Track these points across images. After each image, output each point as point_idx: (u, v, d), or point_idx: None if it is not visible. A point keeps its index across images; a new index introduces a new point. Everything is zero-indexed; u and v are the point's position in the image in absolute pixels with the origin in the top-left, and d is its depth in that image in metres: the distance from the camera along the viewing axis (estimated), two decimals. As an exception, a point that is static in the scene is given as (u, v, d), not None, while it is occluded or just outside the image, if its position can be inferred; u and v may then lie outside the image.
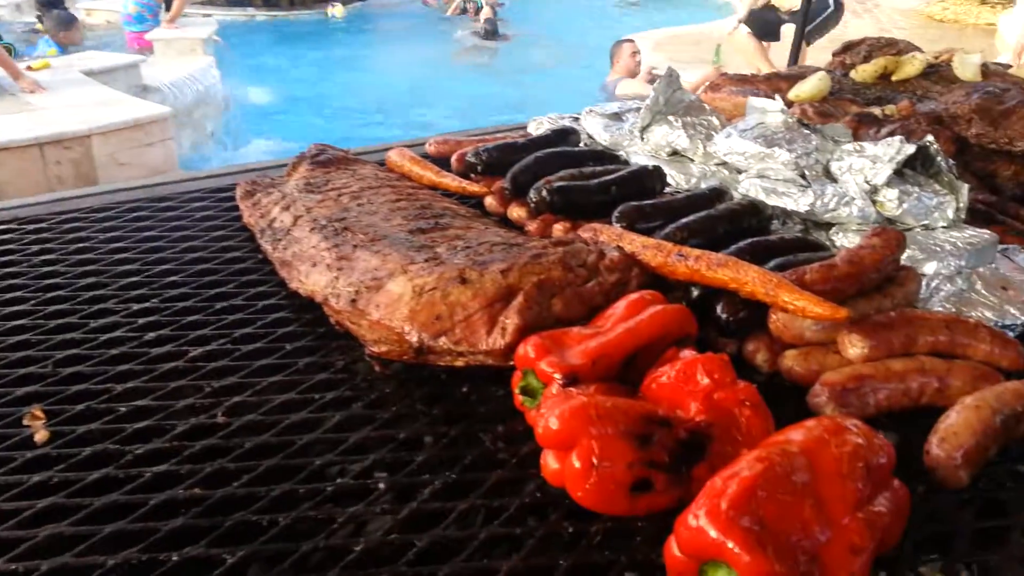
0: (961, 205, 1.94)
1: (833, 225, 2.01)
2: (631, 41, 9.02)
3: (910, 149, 1.95)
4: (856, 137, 2.59)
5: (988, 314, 1.68)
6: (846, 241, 1.93)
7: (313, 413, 1.47)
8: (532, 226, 2.08)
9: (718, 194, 2.06)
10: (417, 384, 1.55)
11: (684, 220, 1.88)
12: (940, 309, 1.70)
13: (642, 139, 2.51)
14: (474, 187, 2.30)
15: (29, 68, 8.10)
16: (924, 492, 1.29)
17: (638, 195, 2.06)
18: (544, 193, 2.02)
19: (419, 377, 1.56)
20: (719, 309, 1.61)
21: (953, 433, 1.32)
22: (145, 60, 9.31)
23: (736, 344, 1.64)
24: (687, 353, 1.42)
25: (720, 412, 1.32)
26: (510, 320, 1.49)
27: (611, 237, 1.84)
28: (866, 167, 1.98)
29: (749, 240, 1.80)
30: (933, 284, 1.76)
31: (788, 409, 1.40)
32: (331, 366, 1.61)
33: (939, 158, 1.99)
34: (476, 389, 1.54)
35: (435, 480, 1.32)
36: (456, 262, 1.68)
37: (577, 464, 1.21)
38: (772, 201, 2.05)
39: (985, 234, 1.91)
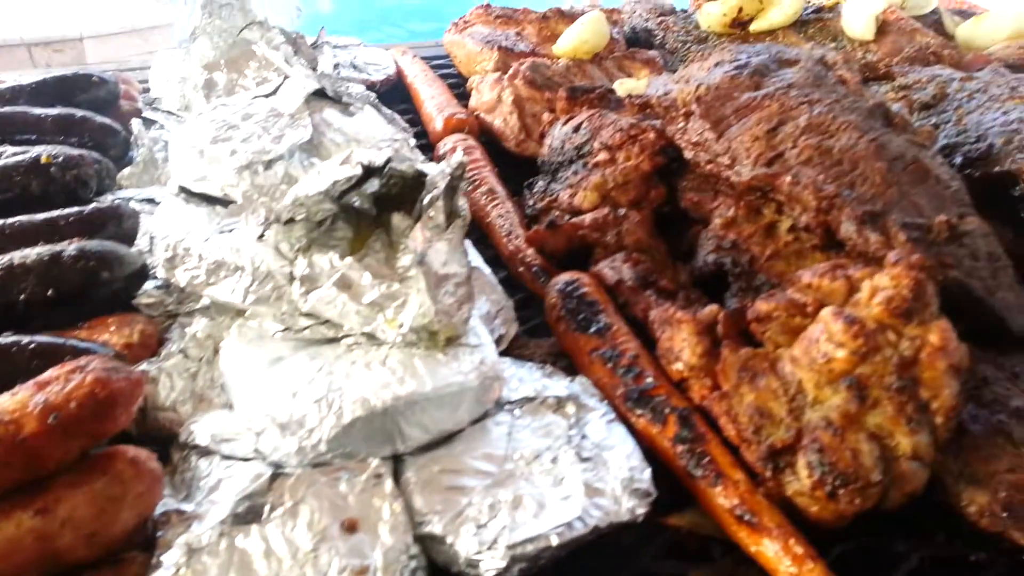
0: (422, 308, 0.96)
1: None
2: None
3: (324, 180, 0.98)
4: (543, 130, 1.59)
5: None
6: (238, 350, 1.00)
7: None
8: None
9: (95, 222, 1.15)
10: None
11: None
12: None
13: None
14: None
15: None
16: None
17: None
18: None
19: None
20: None
21: None
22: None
23: None
24: None
25: None
26: None
27: None
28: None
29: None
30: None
31: None
32: None
33: (431, 197, 1.00)
34: None
35: None
36: None
37: None
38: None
39: (440, 375, 0.93)
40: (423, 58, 2.31)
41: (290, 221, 0.98)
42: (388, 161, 1.04)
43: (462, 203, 1.12)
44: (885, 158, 1.18)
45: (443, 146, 1.64)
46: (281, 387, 0.90)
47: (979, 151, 1.38)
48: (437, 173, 1.02)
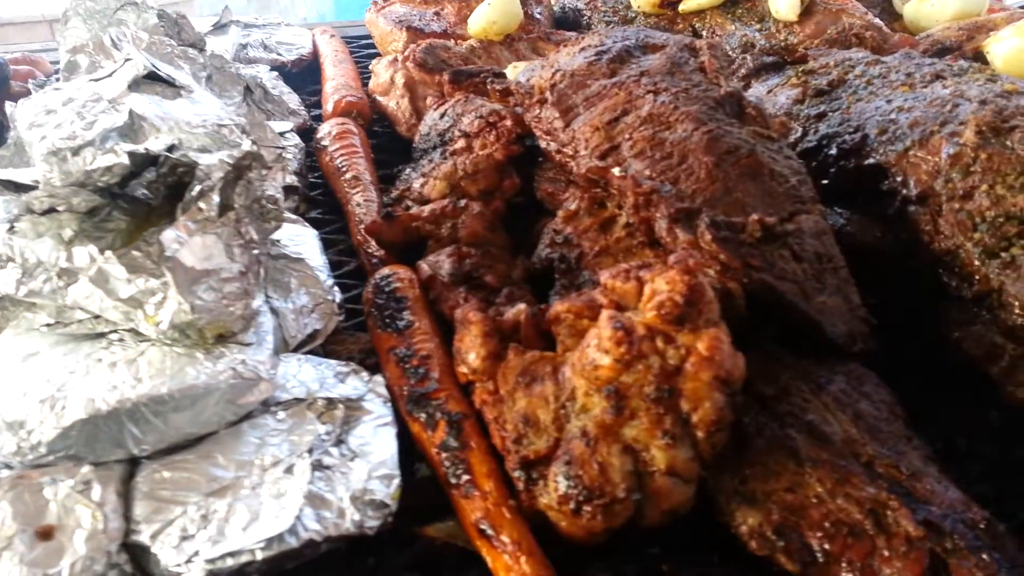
0: (181, 305, 0.92)
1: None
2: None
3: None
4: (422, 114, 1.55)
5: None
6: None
7: None
8: None
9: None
10: None
11: None
12: None
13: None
14: None
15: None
16: None
17: None
18: None
19: None
20: None
21: None
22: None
23: None
24: None
25: None
26: None
27: None
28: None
29: None
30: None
31: None
32: None
33: (202, 188, 0.96)
34: None
35: None
36: None
37: None
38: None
39: (184, 376, 0.90)
40: (350, 38, 2.27)
41: (51, 211, 0.95)
42: (171, 148, 1.00)
43: (270, 193, 1.09)
44: (716, 151, 1.10)
45: (321, 131, 1.60)
46: (18, 384, 0.88)
47: (854, 142, 1.30)
48: (214, 163, 0.98)
